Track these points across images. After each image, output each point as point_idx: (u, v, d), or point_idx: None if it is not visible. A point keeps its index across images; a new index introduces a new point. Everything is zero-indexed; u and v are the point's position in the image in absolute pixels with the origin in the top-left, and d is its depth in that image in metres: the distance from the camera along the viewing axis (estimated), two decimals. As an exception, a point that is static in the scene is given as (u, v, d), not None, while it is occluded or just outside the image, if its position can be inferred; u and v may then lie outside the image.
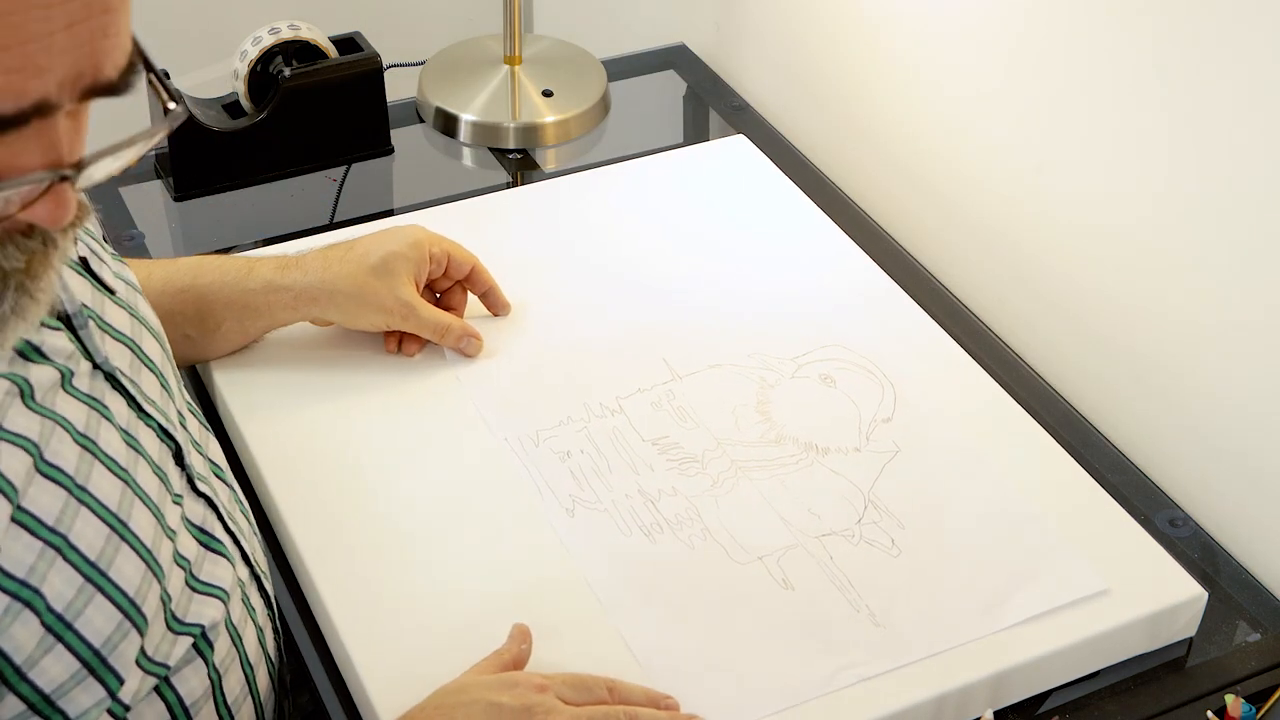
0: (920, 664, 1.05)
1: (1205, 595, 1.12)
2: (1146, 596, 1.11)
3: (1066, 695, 1.10)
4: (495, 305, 1.33)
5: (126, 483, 0.87)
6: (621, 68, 1.79)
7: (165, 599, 0.88)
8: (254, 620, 1.00)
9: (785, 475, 1.19)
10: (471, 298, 1.34)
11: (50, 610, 0.81)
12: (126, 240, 1.50)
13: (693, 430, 1.22)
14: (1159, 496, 1.27)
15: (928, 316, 1.37)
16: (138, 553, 0.86)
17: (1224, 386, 1.23)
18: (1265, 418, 1.20)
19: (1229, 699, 1.05)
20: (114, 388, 0.90)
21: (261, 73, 1.57)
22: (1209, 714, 1.06)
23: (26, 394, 0.82)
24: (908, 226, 1.56)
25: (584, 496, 1.16)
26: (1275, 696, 1.08)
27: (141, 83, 0.72)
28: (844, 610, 1.08)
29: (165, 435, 0.94)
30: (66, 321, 0.88)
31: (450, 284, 1.31)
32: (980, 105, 1.43)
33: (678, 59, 1.83)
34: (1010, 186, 1.42)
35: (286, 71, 1.55)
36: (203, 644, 0.92)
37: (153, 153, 1.59)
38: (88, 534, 0.83)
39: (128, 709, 0.86)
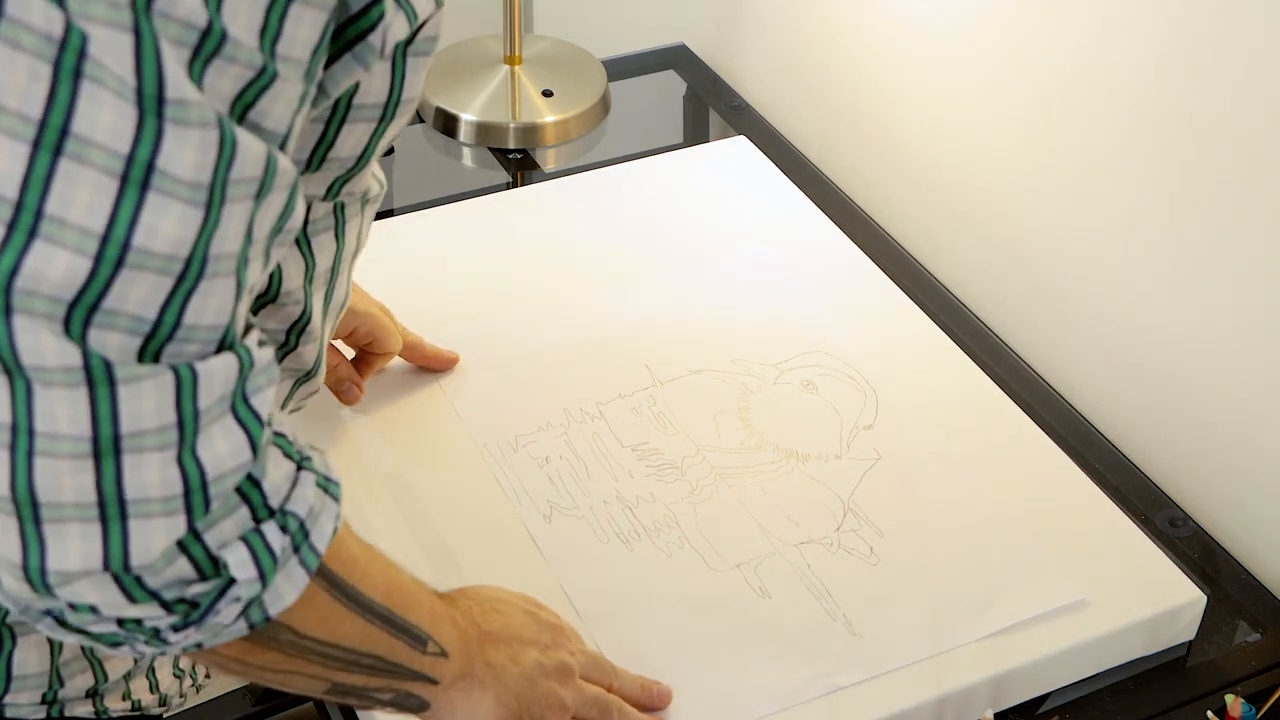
0: (921, 665, 1.05)
1: (1204, 598, 1.12)
2: (1145, 600, 1.10)
3: (1066, 695, 1.09)
4: (438, 366, 1.29)
5: None
6: (621, 68, 1.79)
7: None
8: None
9: (765, 482, 1.18)
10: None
11: None
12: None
13: (673, 436, 1.22)
14: (1159, 496, 1.27)
15: (926, 318, 1.36)
16: None
17: (1224, 386, 1.23)
18: (1265, 418, 1.19)
19: (1229, 699, 1.05)
20: None
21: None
22: (1209, 714, 1.05)
23: None
24: (907, 226, 1.55)
25: (561, 503, 1.16)
26: (1275, 696, 1.08)
27: None
28: (820, 619, 1.08)
29: None
30: None
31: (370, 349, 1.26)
32: (980, 105, 1.42)
33: (678, 59, 1.82)
34: (1011, 186, 1.41)
35: (286, 74, 1.54)
36: None
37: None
38: None
39: None
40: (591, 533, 1.14)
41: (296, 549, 0.77)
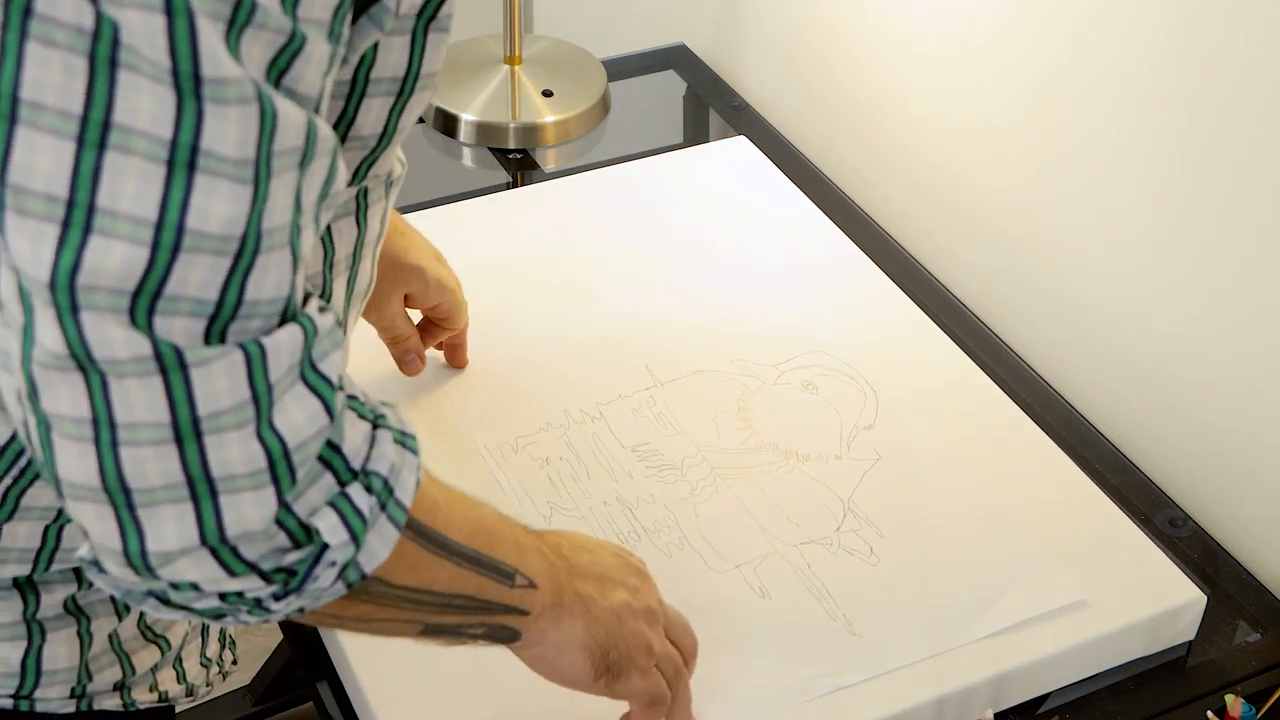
0: (921, 665, 1.05)
1: (1204, 598, 1.12)
2: (1145, 600, 1.10)
3: (1066, 695, 1.09)
4: (455, 359, 1.30)
5: None
6: (621, 68, 1.79)
7: None
8: None
9: (765, 482, 1.18)
10: None
11: None
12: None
13: (673, 437, 1.22)
14: (1159, 496, 1.27)
15: (926, 318, 1.36)
16: None
17: (1225, 387, 1.23)
18: (1266, 418, 1.20)
19: (1229, 699, 1.04)
20: None
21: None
22: (1209, 714, 1.05)
23: None
24: (907, 226, 1.55)
25: (561, 503, 1.16)
26: (1275, 696, 1.08)
27: None
28: (820, 619, 1.08)
29: None
30: None
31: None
32: (981, 105, 1.42)
33: (678, 59, 1.82)
34: (1011, 186, 1.41)
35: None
36: None
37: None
38: None
39: None
40: (592, 533, 1.13)
41: (383, 507, 0.77)
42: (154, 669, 0.98)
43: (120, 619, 0.93)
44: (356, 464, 0.76)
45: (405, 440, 0.80)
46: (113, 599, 0.93)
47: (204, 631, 1.01)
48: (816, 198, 1.52)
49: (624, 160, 1.60)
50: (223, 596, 0.75)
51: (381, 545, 0.77)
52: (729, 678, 1.04)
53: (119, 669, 0.96)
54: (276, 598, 0.75)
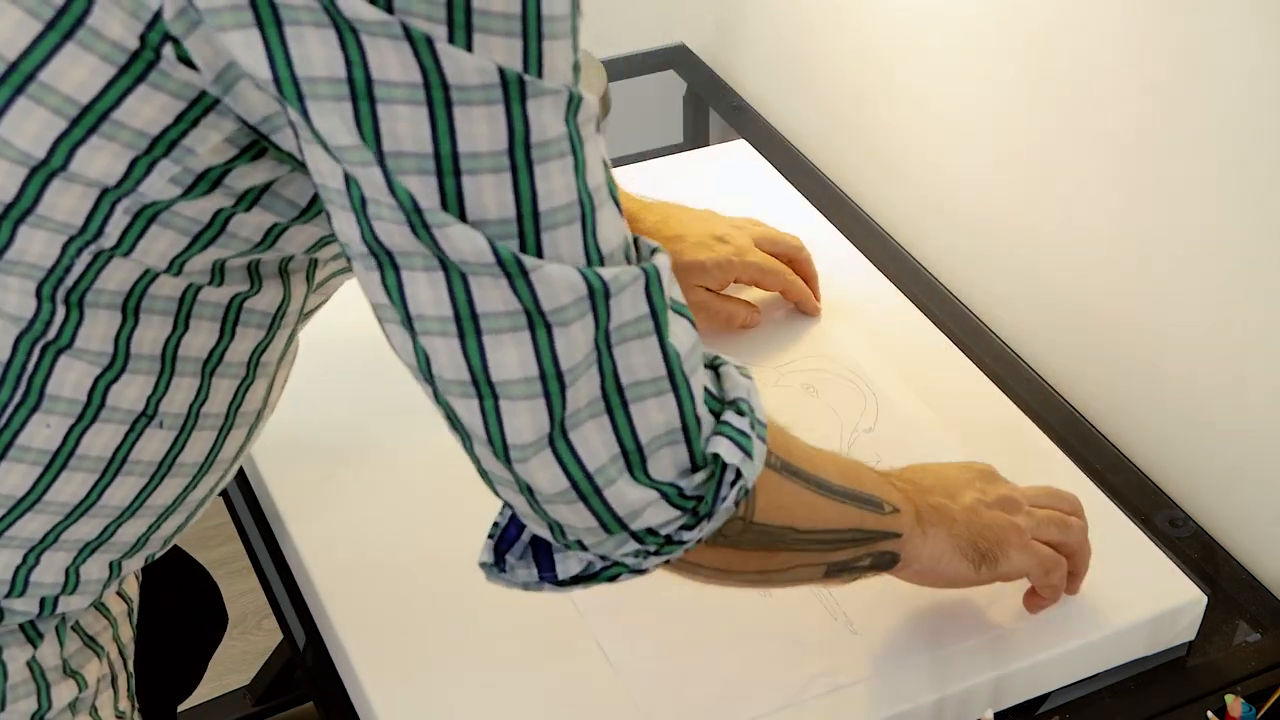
0: (921, 665, 1.05)
1: (1205, 599, 1.11)
2: (1145, 600, 1.10)
3: (1066, 695, 1.09)
4: (805, 309, 1.37)
5: None
6: (621, 68, 1.79)
7: None
8: None
9: (765, 483, 1.18)
10: None
11: None
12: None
13: (673, 438, 1.22)
14: (1159, 496, 1.27)
15: (926, 320, 1.36)
16: None
17: (1224, 386, 1.22)
18: (1266, 417, 1.19)
19: (1229, 699, 1.04)
20: None
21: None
22: (1209, 714, 1.05)
23: None
24: (907, 226, 1.55)
25: (563, 503, 1.16)
26: (1275, 696, 1.08)
27: None
28: (821, 618, 1.08)
29: None
30: None
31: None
32: (980, 106, 1.42)
33: (678, 59, 1.82)
34: (1010, 186, 1.41)
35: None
36: None
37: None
38: None
39: None
40: (593, 532, 1.14)
41: (752, 425, 0.83)
42: (72, 708, 0.97)
43: (35, 647, 0.92)
44: (723, 394, 0.83)
45: (745, 371, 0.86)
46: (22, 628, 0.93)
47: (113, 681, 1.00)
48: (816, 198, 1.52)
49: (624, 160, 1.60)
50: (636, 535, 0.81)
51: (759, 458, 0.83)
52: (730, 675, 1.04)
53: (35, 700, 0.94)
54: (687, 528, 0.82)
